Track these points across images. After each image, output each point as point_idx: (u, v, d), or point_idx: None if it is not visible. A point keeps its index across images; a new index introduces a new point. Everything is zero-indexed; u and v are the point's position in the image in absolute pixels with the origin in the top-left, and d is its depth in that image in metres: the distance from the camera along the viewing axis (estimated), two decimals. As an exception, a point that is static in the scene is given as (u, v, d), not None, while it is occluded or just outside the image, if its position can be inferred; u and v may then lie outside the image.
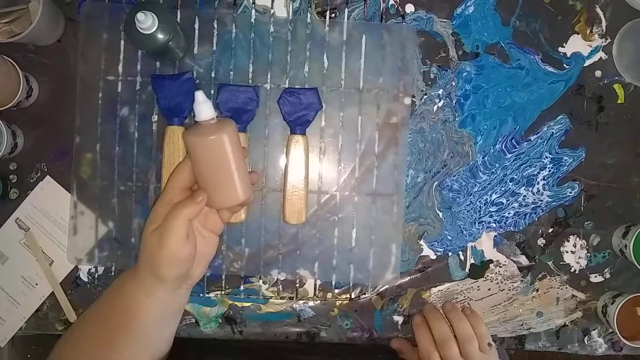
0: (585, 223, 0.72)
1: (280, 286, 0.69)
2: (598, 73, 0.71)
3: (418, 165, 0.70)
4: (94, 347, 0.50)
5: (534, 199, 0.71)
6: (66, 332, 0.54)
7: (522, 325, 0.72)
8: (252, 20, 0.68)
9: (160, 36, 0.58)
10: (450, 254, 0.71)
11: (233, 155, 0.50)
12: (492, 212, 0.71)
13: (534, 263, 0.71)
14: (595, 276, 0.72)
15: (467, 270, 0.71)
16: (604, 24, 0.71)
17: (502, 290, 0.71)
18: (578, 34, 0.71)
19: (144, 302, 0.50)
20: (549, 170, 0.71)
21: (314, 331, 0.70)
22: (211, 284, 0.69)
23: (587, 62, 0.71)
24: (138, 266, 0.51)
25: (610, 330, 0.71)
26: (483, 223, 0.71)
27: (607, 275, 0.72)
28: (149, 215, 0.50)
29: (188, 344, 0.59)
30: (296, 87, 0.67)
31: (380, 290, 0.70)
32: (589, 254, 0.72)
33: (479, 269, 0.71)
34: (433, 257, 0.71)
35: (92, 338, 0.51)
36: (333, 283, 0.69)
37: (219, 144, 0.49)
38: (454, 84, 0.70)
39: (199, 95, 0.49)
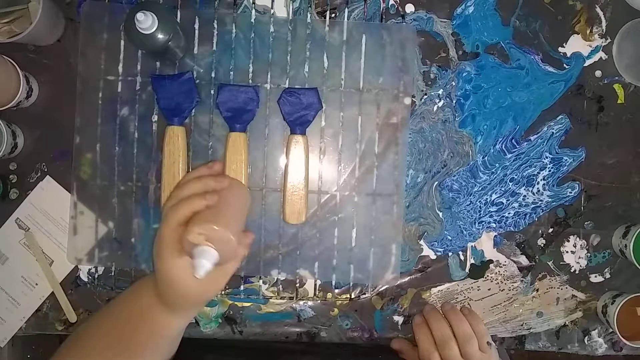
0: (585, 223, 0.72)
1: (280, 286, 0.69)
2: (598, 73, 0.71)
3: (418, 165, 0.70)
4: (102, 354, 0.51)
5: (534, 199, 0.71)
6: (70, 336, 0.54)
7: (522, 325, 0.72)
8: (252, 20, 0.68)
9: (160, 36, 0.58)
10: (450, 254, 0.71)
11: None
12: (492, 212, 0.71)
13: (534, 263, 0.71)
14: (595, 276, 0.72)
15: (467, 270, 0.71)
16: (604, 24, 0.71)
17: (502, 291, 0.71)
18: (578, 34, 0.71)
19: (156, 321, 0.52)
20: (549, 170, 0.71)
21: (314, 331, 0.70)
22: (211, 284, 0.69)
23: (587, 62, 0.71)
24: (152, 284, 0.51)
25: (610, 330, 0.71)
26: (483, 223, 0.71)
27: (607, 275, 0.72)
28: (157, 238, 0.50)
29: (188, 343, 0.59)
30: (296, 87, 0.67)
31: (380, 290, 0.70)
32: (589, 254, 0.72)
33: (479, 269, 0.71)
34: (433, 257, 0.71)
35: (100, 346, 0.52)
36: (333, 283, 0.69)
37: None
38: (454, 84, 0.70)
39: (203, 266, 0.46)
